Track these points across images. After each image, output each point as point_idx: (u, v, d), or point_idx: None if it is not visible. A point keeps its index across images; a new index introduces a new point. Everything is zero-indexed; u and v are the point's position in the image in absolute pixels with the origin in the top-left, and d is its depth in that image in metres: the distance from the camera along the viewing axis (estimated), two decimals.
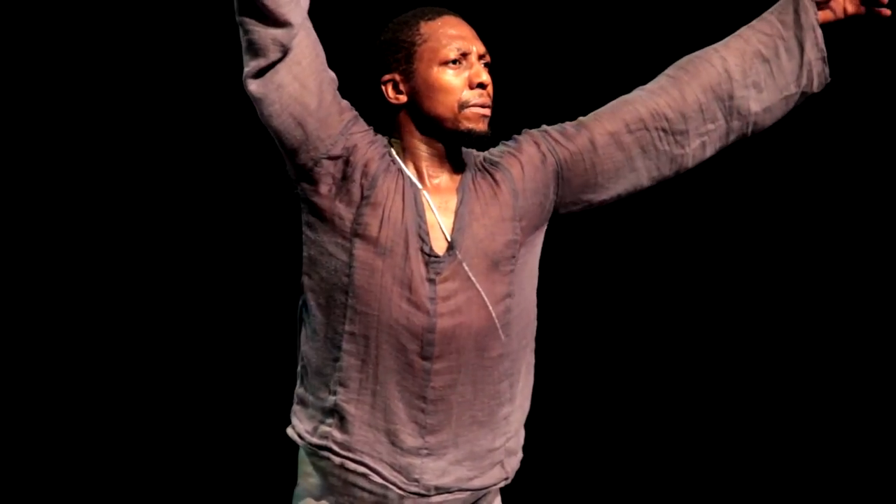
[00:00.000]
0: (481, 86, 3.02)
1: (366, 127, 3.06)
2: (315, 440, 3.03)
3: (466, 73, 3.02)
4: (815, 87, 3.24)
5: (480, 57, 3.04)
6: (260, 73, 2.94)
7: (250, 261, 4.84)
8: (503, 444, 3.09)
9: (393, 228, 2.99)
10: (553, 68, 4.80)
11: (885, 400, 4.91)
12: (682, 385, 4.97)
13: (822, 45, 3.21)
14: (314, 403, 3.05)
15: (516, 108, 3.57)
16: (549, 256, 3.23)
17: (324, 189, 3.02)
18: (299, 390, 3.10)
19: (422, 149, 3.06)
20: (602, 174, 3.16)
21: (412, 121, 3.06)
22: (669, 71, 3.24)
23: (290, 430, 3.10)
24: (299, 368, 3.11)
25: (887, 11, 3.19)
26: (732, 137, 3.23)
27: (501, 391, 3.07)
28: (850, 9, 3.22)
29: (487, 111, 3.03)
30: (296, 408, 3.10)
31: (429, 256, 3.00)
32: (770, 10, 3.25)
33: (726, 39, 3.24)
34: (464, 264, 3.01)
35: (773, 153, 4.78)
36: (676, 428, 4.98)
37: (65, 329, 4.77)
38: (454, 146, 3.06)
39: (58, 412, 4.79)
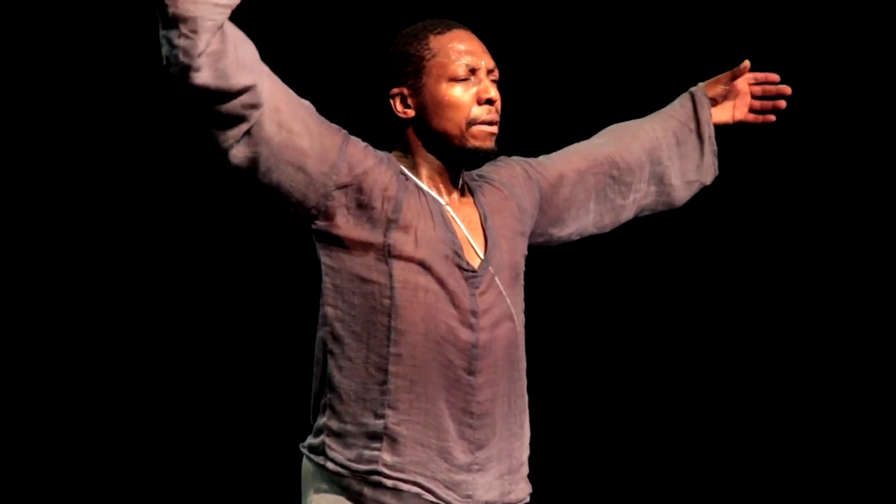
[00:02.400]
0: (489, 102, 3.01)
1: (363, 143, 2.99)
2: (362, 467, 2.93)
3: (475, 89, 3.01)
4: (708, 180, 3.45)
5: (489, 72, 3.03)
6: (244, 136, 2.84)
7: (252, 276, 4.86)
8: (527, 458, 3.11)
9: (429, 246, 2.95)
10: (561, 81, 4.79)
11: (884, 401, 4.94)
12: (665, 392, 5.01)
13: (714, 140, 3.41)
14: (354, 431, 2.94)
15: (523, 123, 3.58)
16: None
17: (341, 220, 2.95)
18: (329, 422, 2.96)
19: (433, 164, 3.04)
20: (567, 210, 3.25)
21: (420, 136, 3.03)
22: (606, 133, 3.37)
23: (328, 464, 2.95)
24: (325, 400, 2.98)
25: (772, 118, 3.42)
26: (648, 200, 3.38)
27: (525, 403, 3.10)
28: (738, 115, 3.44)
29: (495, 128, 3.03)
30: (326, 440, 2.95)
31: (466, 271, 2.99)
32: (677, 99, 3.43)
33: (648, 116, 3.40)
34: (496, 278, 3.02)
35: (768, 157, 4.86)
36: (662, 436, 5.02)
37: (66, 335, 4.82)
38: (460, 163, 3.05)
39: (58, 418, 4.82)
